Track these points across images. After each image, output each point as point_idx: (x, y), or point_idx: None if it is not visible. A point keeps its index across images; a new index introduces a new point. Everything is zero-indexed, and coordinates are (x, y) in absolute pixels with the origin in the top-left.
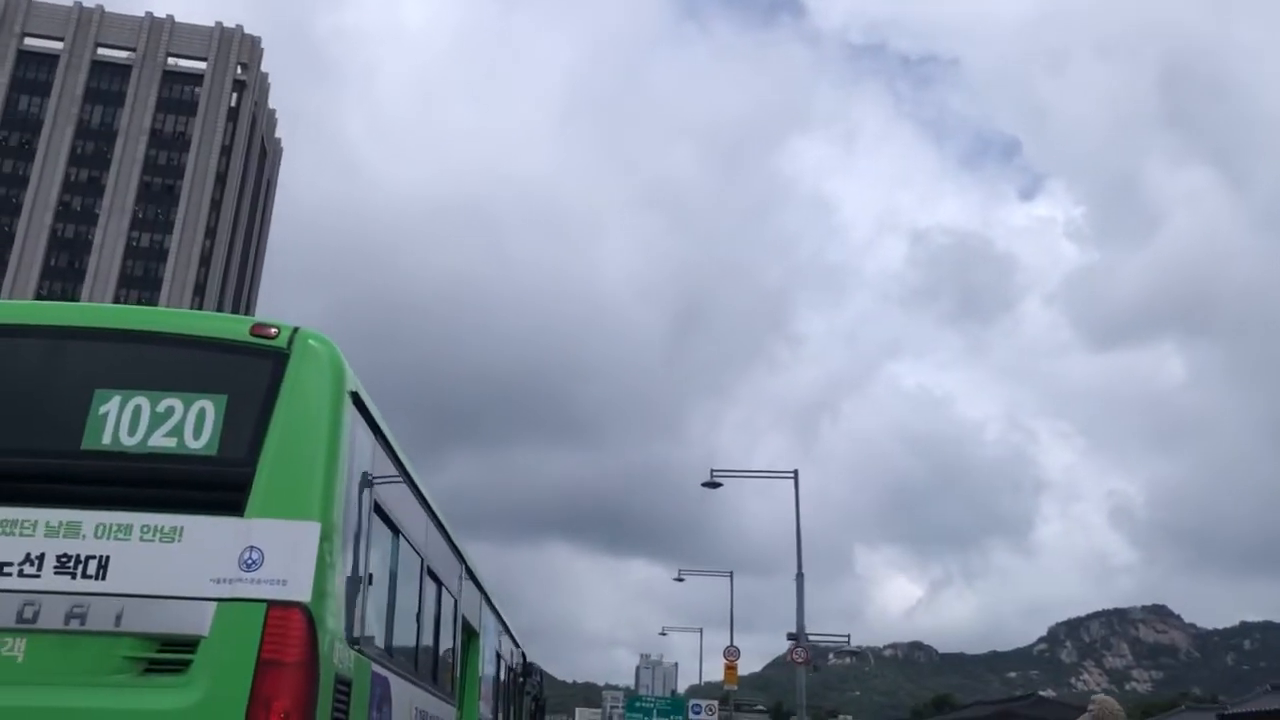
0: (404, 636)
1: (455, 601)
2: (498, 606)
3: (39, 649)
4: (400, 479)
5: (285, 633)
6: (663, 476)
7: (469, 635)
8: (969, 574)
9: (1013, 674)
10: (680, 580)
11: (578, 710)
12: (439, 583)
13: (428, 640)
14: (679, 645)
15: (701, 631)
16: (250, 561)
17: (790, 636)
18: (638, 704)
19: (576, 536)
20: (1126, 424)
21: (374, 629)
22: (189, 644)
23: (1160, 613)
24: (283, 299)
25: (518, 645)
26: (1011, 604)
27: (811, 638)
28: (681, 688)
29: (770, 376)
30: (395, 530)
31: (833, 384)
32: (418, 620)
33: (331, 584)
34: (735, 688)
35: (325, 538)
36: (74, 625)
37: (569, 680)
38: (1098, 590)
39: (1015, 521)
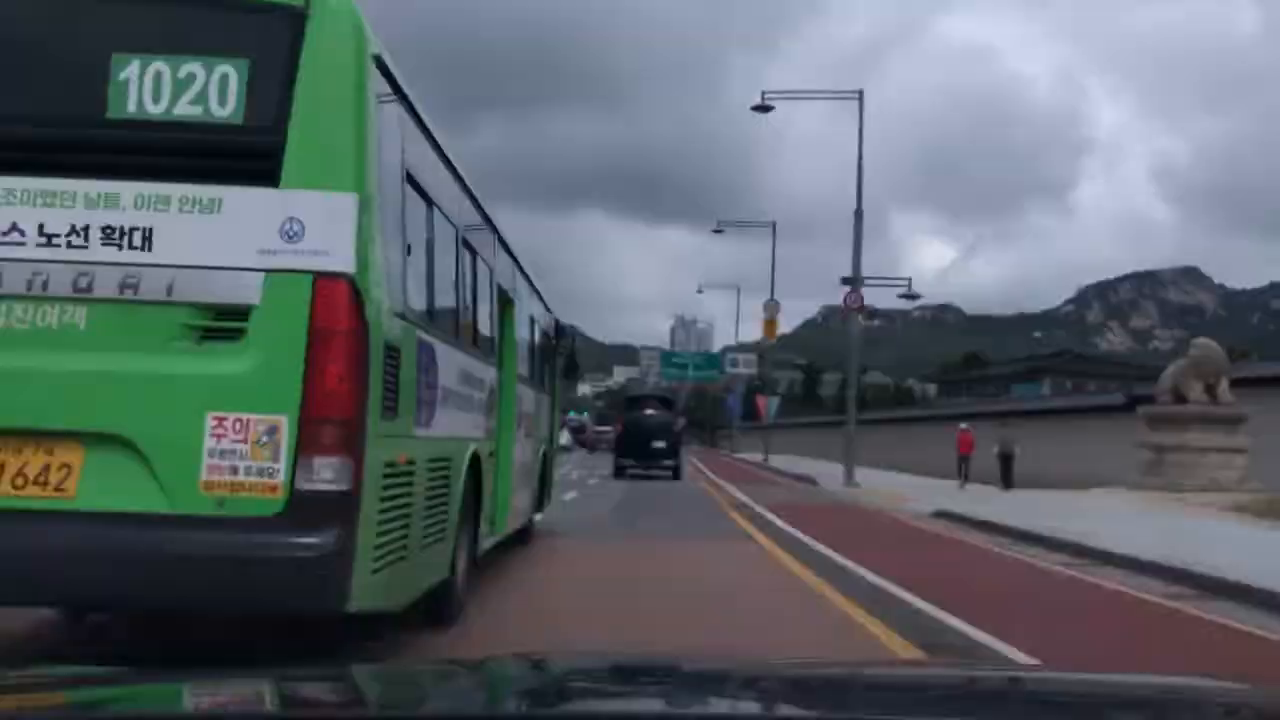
0: (444, 304)
1: (490, 270)
2: (530, 274)
3: (98, 317)
4: (430, 147)
5: (333, 302)
6: (700, 141)
7: (504, 302)
8: (1003, 236)
9: (1038, 334)
10: (719, 232)
11: (615, 369)
12: (473, 252)
13: (466, 307)
14: (715, 310)
15: (739, 289)
16: (292, 233)
17: (845, 281)
18: (673, 359)
19: (612, 203)
20: (1186, 80)
21: (416, 298)
22: (242, 313)
23: (1191, 275)
24: None
25: (550, 310)
26: (1042, 267)
27: (869, 284)
28: (716, 348)
29: (813, 27)
30: (428, 200)
31: (877, 40)
32: (456, 289)
33: (373, 255)
34: (774, 342)
35: (363, 209)
36: (128, 295)
37: (606, 342)
38: (1131, 253)
39: (1055, 182)
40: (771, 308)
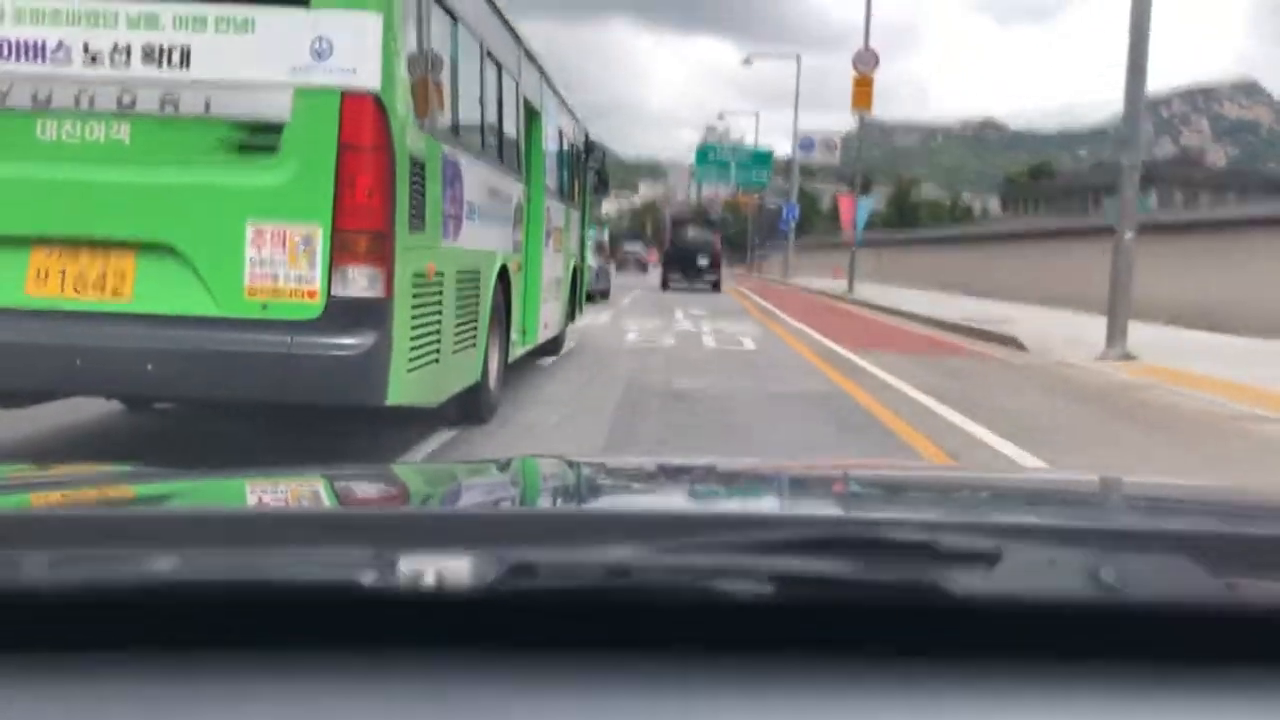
0: (470, 119)
1: (516, 83)
2: (558, 87)
3: (142, 132)
4: None
5: (360, 119)
6: None
7: (531, 115)
8: (1049, 40)
9: (1083, 151)
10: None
11: (641, 184)
12: (499, 65)
13: (492, 122)
14: (750, 125)
15: (798, 58)
16: (320, 51)
17: None
18: (711, 156)
19: (641, 11)
20: None
21: (441, 113)
22: (275, 128)
23: (1249, 89)
24: None
25: (579, 123)
26: (1089, 80)
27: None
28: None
29: None
30: (452, 15)
31: None
32: (481, 104)
33: (398, 72)
34: (868, 112)
35: (388, 27)
36: (169, 111)
37: (633, 157)
38: (1184, 64)
39: None
40: (866, 59)
